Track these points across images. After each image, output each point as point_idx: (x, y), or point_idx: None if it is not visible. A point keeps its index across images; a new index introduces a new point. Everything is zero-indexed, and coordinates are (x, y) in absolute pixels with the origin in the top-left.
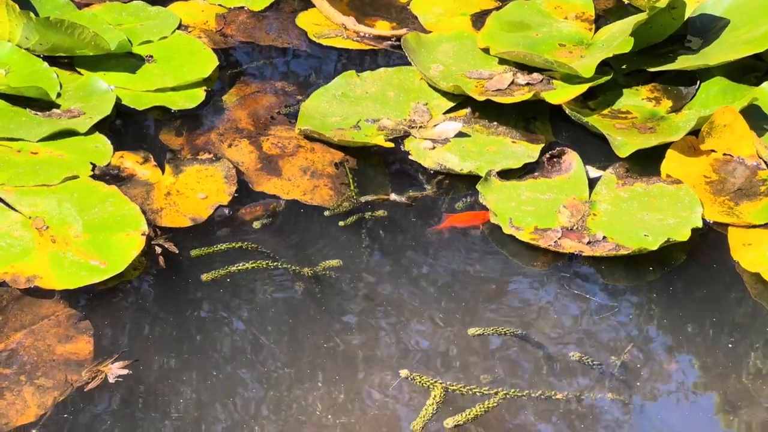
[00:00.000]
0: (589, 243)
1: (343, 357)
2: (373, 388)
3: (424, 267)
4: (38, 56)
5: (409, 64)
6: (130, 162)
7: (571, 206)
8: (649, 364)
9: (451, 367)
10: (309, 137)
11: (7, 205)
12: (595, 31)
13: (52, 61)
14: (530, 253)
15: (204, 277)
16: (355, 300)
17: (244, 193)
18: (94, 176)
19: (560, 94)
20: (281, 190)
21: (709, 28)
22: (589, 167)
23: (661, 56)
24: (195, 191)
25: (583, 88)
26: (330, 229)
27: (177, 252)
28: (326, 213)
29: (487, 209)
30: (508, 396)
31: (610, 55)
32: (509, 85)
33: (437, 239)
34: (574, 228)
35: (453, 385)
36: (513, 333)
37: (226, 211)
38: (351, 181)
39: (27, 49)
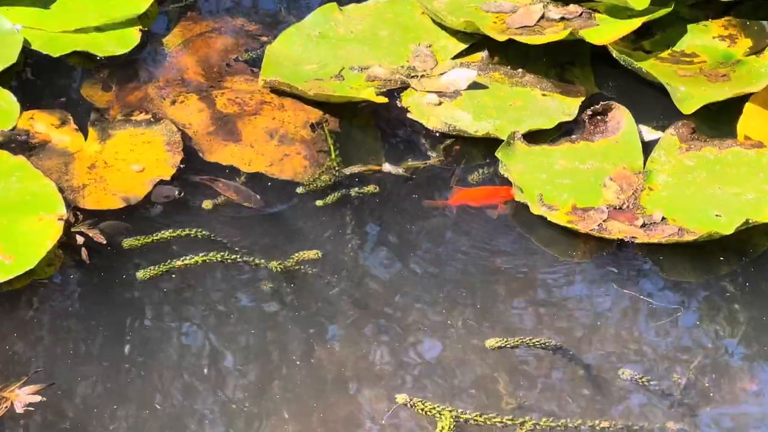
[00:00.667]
0: (644, 226)
1: (324, 379)
2: (361, 417)
3: (427, 260)
4: None
5: None
6: (42, 125)
7: (621, 178)
8: (723, 383)
9: (463, 390)
10: (277, 91)
11: None
12: None
13: None
14: (566, 241)
15: (140, 274)
16: (337, 303)
17: (193, 164)
18: None
19: (605, 32)
20: (241, 160)
21: None
22: (643, 127)
23: None
24: (128, 162)
25: (635, 23)
26: (305, 211)
27: (105, 242)
28: (300, 190)
29: (509, 183)
30: (538, 427)
31: None
32: (538, 21)
33: (445, 224)
34: (624, 207)
35: (466, 414)
36: (544, 345)
37: (170, 188)
38: (332, 147)
39: None
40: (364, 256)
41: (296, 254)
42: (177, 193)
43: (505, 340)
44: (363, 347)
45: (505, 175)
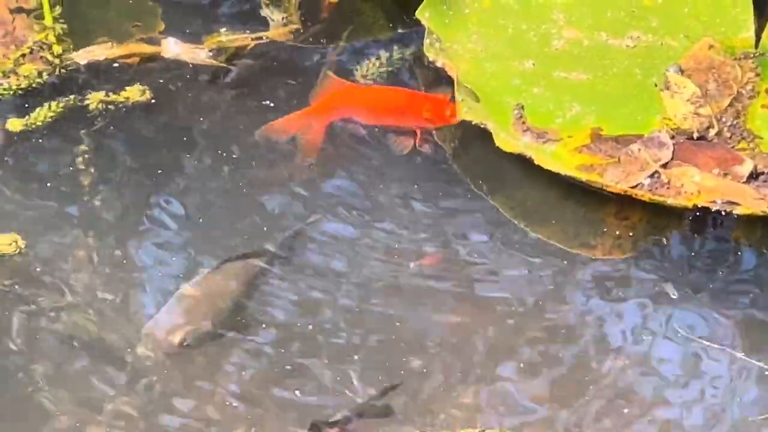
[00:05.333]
0: (756, 178)
1: None
2: None
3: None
4: None
5: None
6: None
7: (704, 69)
8: None
9: None
10: None
11: None
12: None
13: None
14: (576, 212)
15: None
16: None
17: None
18: None
19: None
20: None
21: None
22: None
23: None
24: None
25: None
26: None
27: None
28: None
29: (447, 83)
30: None
31: None
32: None
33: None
34: (711, 134)
35: None
36: None
37: None
38: (46, 2)
39: None
40: (105, 249)
41: None
42: None
43: None
44: None
45: (438, 64)
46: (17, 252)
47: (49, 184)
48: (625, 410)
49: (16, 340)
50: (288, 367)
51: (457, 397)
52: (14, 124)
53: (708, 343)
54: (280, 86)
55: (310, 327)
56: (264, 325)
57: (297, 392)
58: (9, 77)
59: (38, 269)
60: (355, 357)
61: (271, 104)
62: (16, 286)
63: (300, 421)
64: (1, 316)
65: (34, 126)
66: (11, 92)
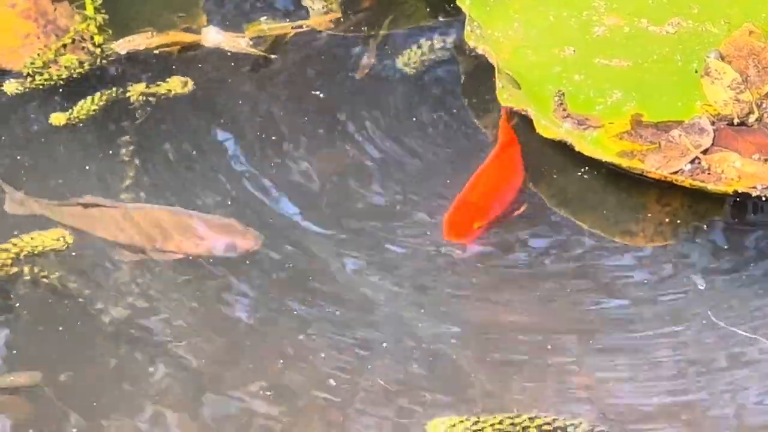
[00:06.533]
0: None
1: None
2: None
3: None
4: None
5: None
6: None
7: (743, 55)
8: None
9: None
10: None
11: None
12: None
13: None
14: (618, 197)
15: None
16: None
17: None
18: None
19: None
20: None
21: None
22: None
23: None
24: None
25: None
26: (28, 139)
27: None
28: (13, 87)
29: (487, 72)
30: None
31: None
32: None
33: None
34: (752, 119)
35: None
36: None
37: None
38: None
39: None
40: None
41: None
42: None
43: None
44: None
45: (479, 51)
46: (65, 247)
47: (93, 174)
48: (655, 399)
49: (64, 335)
50: None
51: (508, 384)
52: (58, 119)
53: (746, 334)
54: (321, 75)
55: None
56: None
57: None
58: (50, 67)
59: (86, 263)
60: None
61: (321, 94)
62: (65, 281)
63: None
64: (50, 310)
65: (77, 119)
66: (52, 82)
